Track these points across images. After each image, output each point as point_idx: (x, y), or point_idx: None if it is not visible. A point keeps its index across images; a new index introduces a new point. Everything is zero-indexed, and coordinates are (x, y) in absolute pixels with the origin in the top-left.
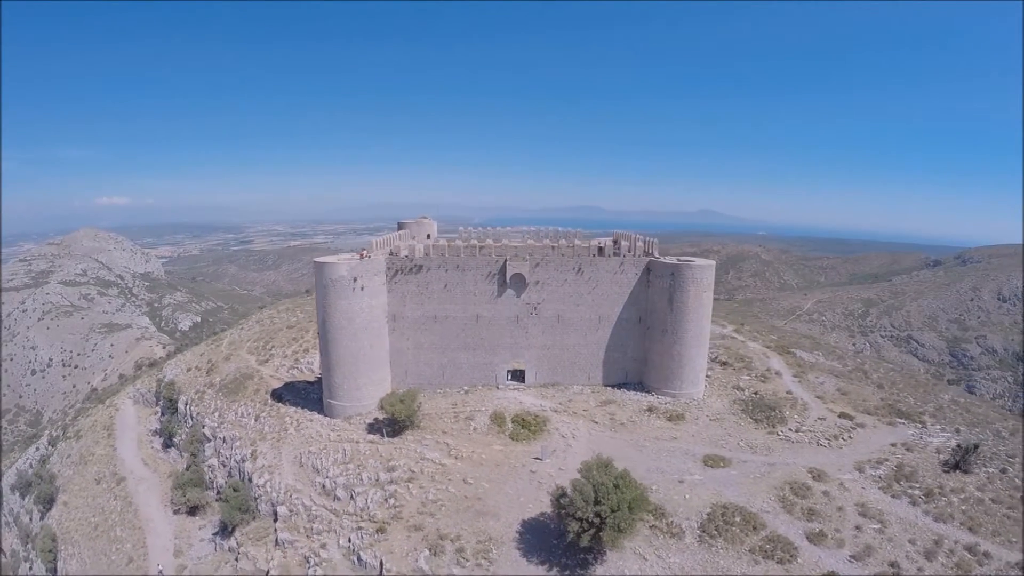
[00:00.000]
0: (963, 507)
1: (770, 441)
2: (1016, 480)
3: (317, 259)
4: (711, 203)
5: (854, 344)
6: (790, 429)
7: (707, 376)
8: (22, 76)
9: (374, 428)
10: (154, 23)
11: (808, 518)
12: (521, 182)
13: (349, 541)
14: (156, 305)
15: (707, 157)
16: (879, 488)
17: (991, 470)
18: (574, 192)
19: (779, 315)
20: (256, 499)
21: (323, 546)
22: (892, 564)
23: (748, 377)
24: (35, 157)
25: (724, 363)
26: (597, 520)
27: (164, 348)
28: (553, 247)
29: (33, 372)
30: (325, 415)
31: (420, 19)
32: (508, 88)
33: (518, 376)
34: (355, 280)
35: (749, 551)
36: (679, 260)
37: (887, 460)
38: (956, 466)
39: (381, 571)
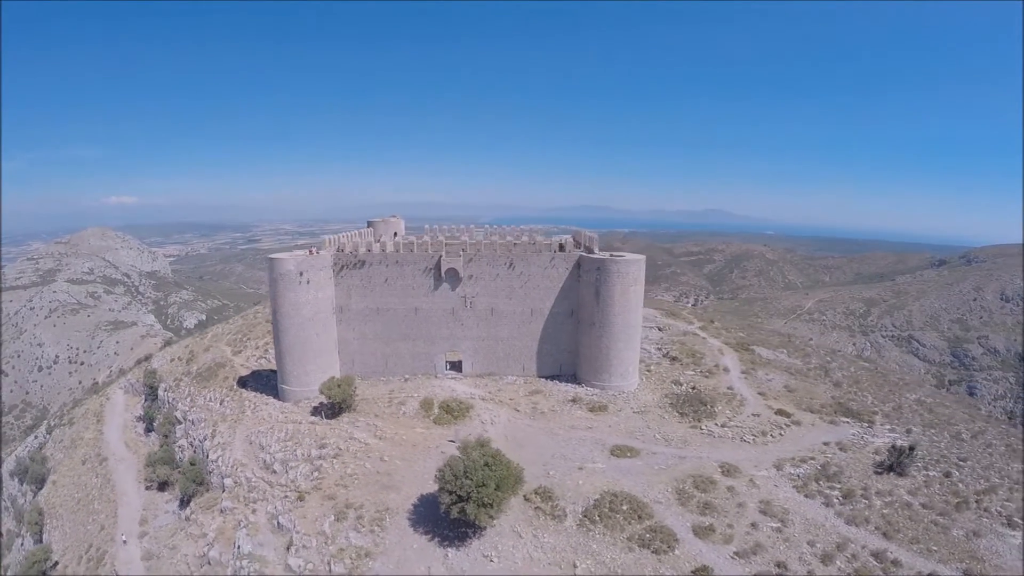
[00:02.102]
0: (885, 511)
1: (690, 435)
2: (959, 484)
3: (270, 256)
4: (719, 202)
5: (854, 344)
6: (716, 424)
7: (649, 370)
8: (31, 76)
9: (317, 411)
10: (160, 24)
11: (702, 512)
12: (533, 182)
13: (275, 508)
14: (162, 303)
15: (716, 157)
16: (793, 487)
17: (932, 473)
18: (585, 192)
19: (780, 314)
20: (210, 473)
21: (254, 511)
22: (779, 564)
23: (692, 372)
24: (44, 157)
25: (674, 358)
26: (465, 494)
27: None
28: (485, 243)
29: (40, 369)
30: (279, 399)
31: (427, 19)
32: (520, 89)
33: (457, 366)
34: (301, 274)
35: (627, 538)
36: (611, 255)
37: (813, 459)
38: (891, 468)
39: (292, 533)
